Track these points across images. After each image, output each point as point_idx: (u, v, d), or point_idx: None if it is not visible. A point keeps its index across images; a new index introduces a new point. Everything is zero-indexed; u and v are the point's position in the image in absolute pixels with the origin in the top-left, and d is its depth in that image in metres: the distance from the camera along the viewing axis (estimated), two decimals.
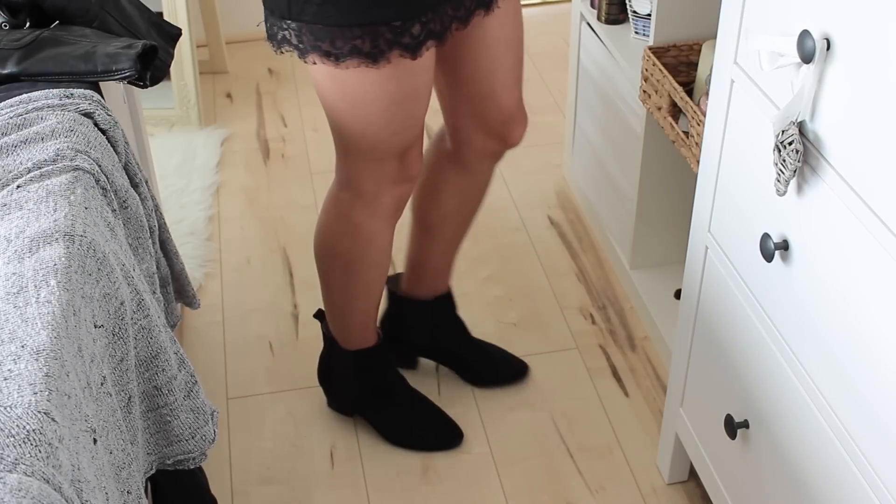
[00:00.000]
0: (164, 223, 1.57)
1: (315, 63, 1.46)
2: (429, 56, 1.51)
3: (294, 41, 1.45)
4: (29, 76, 1.44)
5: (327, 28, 1.41)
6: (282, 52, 1.49)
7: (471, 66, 1.64)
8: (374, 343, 1.88)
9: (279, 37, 1.47)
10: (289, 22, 1.44)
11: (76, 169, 1.24)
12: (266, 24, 1.50)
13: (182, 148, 2.78)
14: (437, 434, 1.92)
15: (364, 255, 1.73)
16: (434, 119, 1.94)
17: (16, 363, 0.96)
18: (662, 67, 1.85)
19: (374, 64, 1.44)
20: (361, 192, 1.65)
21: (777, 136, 1.18)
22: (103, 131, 1.38)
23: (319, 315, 1.93)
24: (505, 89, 1.68)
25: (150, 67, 1.50)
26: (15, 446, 0.87)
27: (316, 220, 1.78)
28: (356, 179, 1.64)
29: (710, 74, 1.49)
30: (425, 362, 2.09)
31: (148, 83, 1.50)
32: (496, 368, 2.05)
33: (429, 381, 2.06)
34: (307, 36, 1.43)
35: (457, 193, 1.85)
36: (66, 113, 1.34)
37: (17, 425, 0.89)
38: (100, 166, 1.29)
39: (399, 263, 2.23)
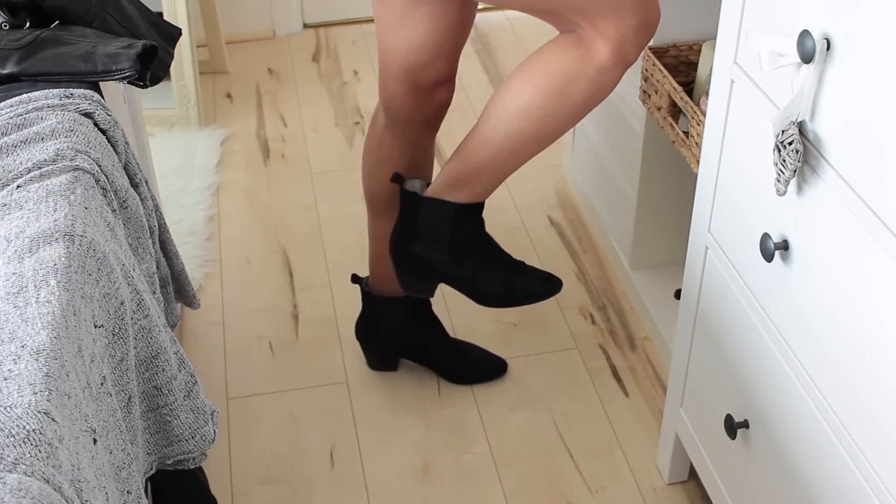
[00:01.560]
0: (164, 223, 1.57)
1: None
2: None
3: None
4: (29, 76, 1.44)
5: None
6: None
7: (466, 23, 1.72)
8: (483, 198, 1.79)
9: None
10: None
11: (76, 169, 1.24)
12: None
13: (182, 148, 2.78)
14: (541, 282, 1.83)
15: (589, 102, 1.61)
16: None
17: (16, 363, 0.96)
18: (662, 67, 1.85)
19: None
20: (609, 37, 1.54)
21: (777, 136, 1.18)
22: (103, 131, 1.38)
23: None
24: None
25: (150, 67, 1.50)
26: (15, 446, 0.87)
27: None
28: (604, 28, 1.53)
29: (710, 74, 1.49)
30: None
31: (148, 83, 1.50)
32: (474, 368, 2.06)
33: (429, 380, 2.06)
34: None
35: (404, 169, 1.84)
36: (66, 113, 1.34)
37: (17, 425, 0.89)
38: (100, 166, 1.30)
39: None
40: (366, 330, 2.05)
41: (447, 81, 1.75)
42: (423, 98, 1.74)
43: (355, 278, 2.03)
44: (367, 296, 2.02)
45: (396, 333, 2.01)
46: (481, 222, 1.81)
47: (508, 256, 1.83)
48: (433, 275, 1.80)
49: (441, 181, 1.75)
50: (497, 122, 1.65)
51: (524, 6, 1.56)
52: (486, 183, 1.73)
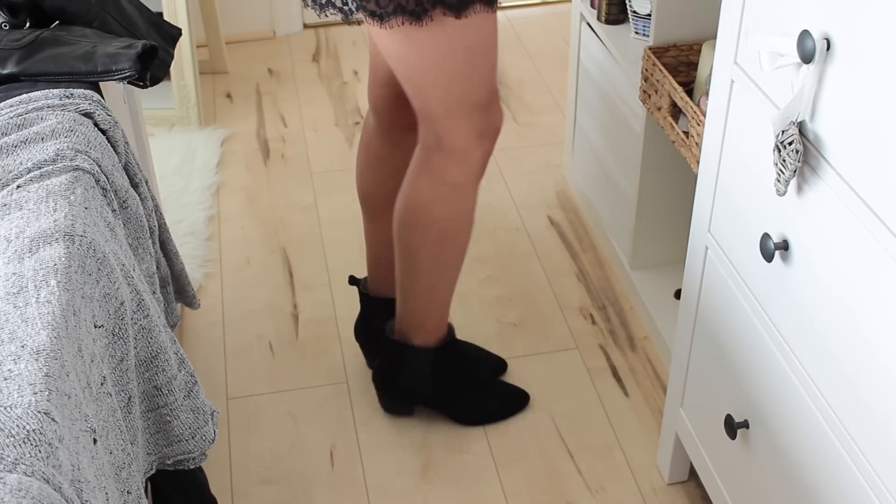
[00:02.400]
0: (164, 223, 1.57)
1: (398, 25, 1.48)
2: (496, 6, 1.57)
3: (371, 7, 1.48)
4: (29, 76, 1.44)
5: None
6: (354, 23, 1.55)
7: None
8: (450, 332, 1.91)
9: (351, 4, 1.50)
10: None
11: (76, 169, 1.24)
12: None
13: (182, 148, 2.78)
14: (513, 400, 1.99)
15: (460, 216, 1.73)
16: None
17: (16, 363, 0.96)
18: (662, 67, 1.85)
19: (457, 16, 1.49)
20: (454, 150, 1.65)
21: (777, 136, 1.18)
22: (103, 131, 1.38)
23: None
24: None
25: (150, 67, 1.50)
26: (15, 446, 0.87)
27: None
28: (449, 139, 1.64)
29: (710, 74, 1.49)
30: None
31: (148, 83, 1.50)
32: (472, 367, 2.07)
33: None
34: (385, 1, 1.46)
35: (394, 172, 1.87)
36: (66, 113, 1.34)
37: (17, 425, 0.89)
38: (100, 166, 1.30)
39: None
40: (364, 331, 2.06)
41: None
42: (405, 103, 1.76)
43: (353, 280, 2.04)
44: (365, 297, 2.03)
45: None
46: (457, 354, 1.95)
47: (483, 377, 1.99)
48: (416, 402, 1.96)
49: (399, 326, 1.88)
50: (399, 271, 1.82)
51: (398, 75, 1.62)
52: (435, 320, 1.87)
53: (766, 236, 1.29)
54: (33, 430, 0.89)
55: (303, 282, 2.34)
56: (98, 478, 1.00)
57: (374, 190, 1.91)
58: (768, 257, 1.29)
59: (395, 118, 1.83)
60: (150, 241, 1.42)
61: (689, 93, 1.84)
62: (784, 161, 1.18)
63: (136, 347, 1.25)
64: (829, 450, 1.24)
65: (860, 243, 1.11)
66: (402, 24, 1.47)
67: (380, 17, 1.47)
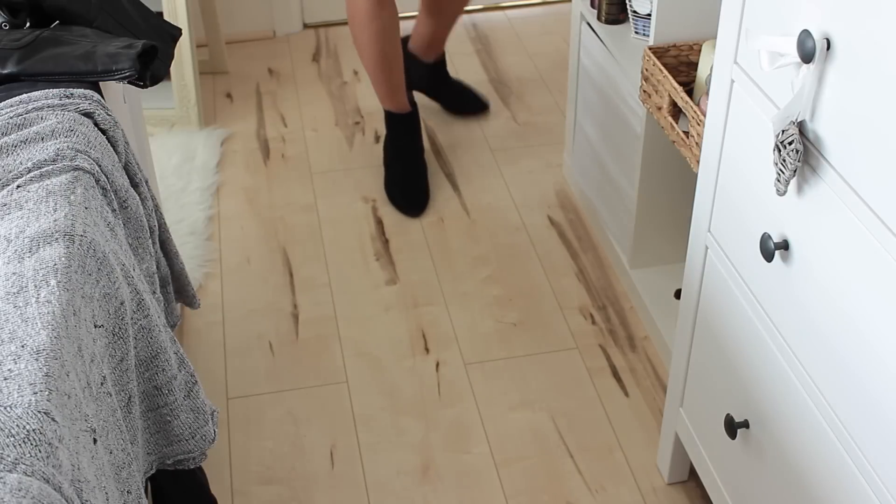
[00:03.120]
0: (164, 223, 1.57)
1: None
2: None
3: None
4: (29, 76, 1.44)
5: None
6: None
7: None
8: (404, 111, 2.57)
9: None
10: None
11: (76, 169, 1.24)
12: None
13: (182, 148, 2.77)
14: (405, 199, 2.54)
15: (357, 37, 2.44)
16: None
17: (16, 363, 0.96)
18: (662, 67, 1.85)
19: None
20: None
21: (777, 135, 1.18)
22: (103, 131, 1.38)
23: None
24: None
25: (150, 67, 1.50)
26: (15, 446, 0.87)
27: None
28: None
29: (710, 74, 1.49)
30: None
31: (148, 83, 1.50)
32: (467, 103, 2.88)
33: (429, 381, 2.06)
34: None
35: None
36: (66, 113, 1.34)
37: (17, 425, 0.89)
38: (100, 166, 1.30)
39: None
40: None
41: None
42: None
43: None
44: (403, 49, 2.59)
45: (419, 80, 2.80)
46: (407, 132, 2.60)
47: (411, 168, 2.60)
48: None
49: None
50: None
51: None
52: (385, 96, 2.55)
53: (766, 236, 1.29)
54: (33, 430, 0.89)
55: (303, 282, 2.34)
56: (98, 477, 1.00)
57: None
58: (768, 257, 1.29)
59: None
60: (150, 240, 1.42)
61: (689, 93, 1.84)
62: (784, 161, 1.18)
63: (136, 347, 1.25)
64: (829, 450, 1.24)
65: (860, 243, 1.11)
66: None
67: None
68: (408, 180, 2.57)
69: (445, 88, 2.88)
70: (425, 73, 2.79)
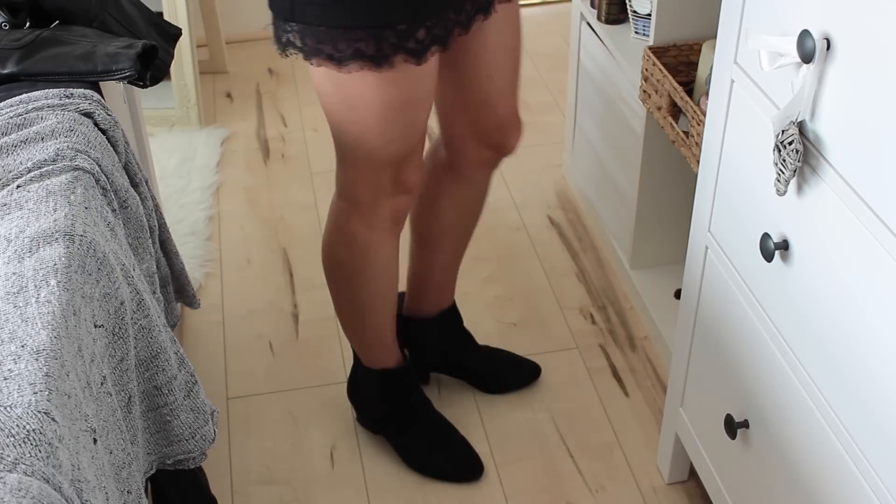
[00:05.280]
0: (164, 223, 1.57)
1: (319, 66, 1.43)
2: (432, 62, 1.47)
3: (298, 43, 1.42)
4: (29, 76, 1.44)
5: (330, 30, 1.38)
6: (286, 56, 1.46)
7: (469, 72, 1.62)
8: (396, 364, 1.85)
9: (283, 39, 1.44)
10: (292, 24, 1.41)
11: (76, 169, 1.24)
12: (272, 26, 1.47)
13: (182, 148, 2.78)
14: (456, 465, 1.87)
15: (363, 267, 1.69)
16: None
17: (16, 363, 0.96)
18: (662, 67, 1.85)
19: (377, 68, 1.41)
20: (357, 201, 1.61)
21: (777, 135, 1.18)
22: (103, 131, 1.38)
23: None
24: (501, 96, 1.65)
25: (150, 67, 1.50)
26: (15, 446, 0.87)
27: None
28: (352, 189, 1.61)
29: (710, 74, 1.49)
30: None
31: (148, 83, 1.50)
32: (506, 375, 2.04)
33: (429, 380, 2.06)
34: (310, 38, 1.40)
35: (455, 205, 1.82)
36: (66, 113, 1.34)
37: (17, 425, 0.89)
38: (100, 166, 1.29)
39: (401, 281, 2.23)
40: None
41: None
42: (485, 131, 1.71)
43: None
44: (398, 316, 1.93)
45: (430, 352, 1.99)
46: (411, 389, 1.90)
47: (438, 429, 1.90)
48: (371, 421, 1.93)
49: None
50: (333, 303, 1.83)
51: (322, 107, 1.57)
52: (373, 349, 1.84)
53: (766, 236, 1.29)
54: (33, 430, 0.89)
55: (303, 282, 2.34)
56: (98, 477, 1.00)
57: (435, 221, 1.85)
58: (768, 257, 1.29)
59: (473, 151, 1.74)
60: (150, 240, 1.42)
61: (689, 93, 1.84)
62: (784, 161, 1.18)
63: (136, 347, 1.25)
64: (829, 449, 1.24)
65: (860, 243, 1.11)
66: (360, 70, 1.42)
67: (338, 60, 1.42)
68: (443, 437, 1.90)
69: (471, 357, 2.05)
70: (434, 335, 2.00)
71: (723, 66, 1.39)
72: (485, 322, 2.20)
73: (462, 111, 1.67)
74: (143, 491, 1.19)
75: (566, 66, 3.07)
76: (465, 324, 2.04)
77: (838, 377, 1.20)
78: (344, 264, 1.71)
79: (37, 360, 0.96)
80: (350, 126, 1.51)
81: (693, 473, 1.85)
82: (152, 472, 1.35)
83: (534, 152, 2.75)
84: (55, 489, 0.86)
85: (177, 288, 1.64)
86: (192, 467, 1.39)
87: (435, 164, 1.79)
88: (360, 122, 1.49)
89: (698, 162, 1.69)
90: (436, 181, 1.80)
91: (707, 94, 1.62)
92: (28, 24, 1.56)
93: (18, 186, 1.21)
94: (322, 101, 1.52)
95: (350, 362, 2.11)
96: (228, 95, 3.08)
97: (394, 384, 1.87)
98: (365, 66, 1.41)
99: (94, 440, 1.02)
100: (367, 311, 1.77)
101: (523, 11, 1.67)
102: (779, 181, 1.20)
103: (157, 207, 1.52)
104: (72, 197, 1.19)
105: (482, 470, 1.87)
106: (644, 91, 1.95)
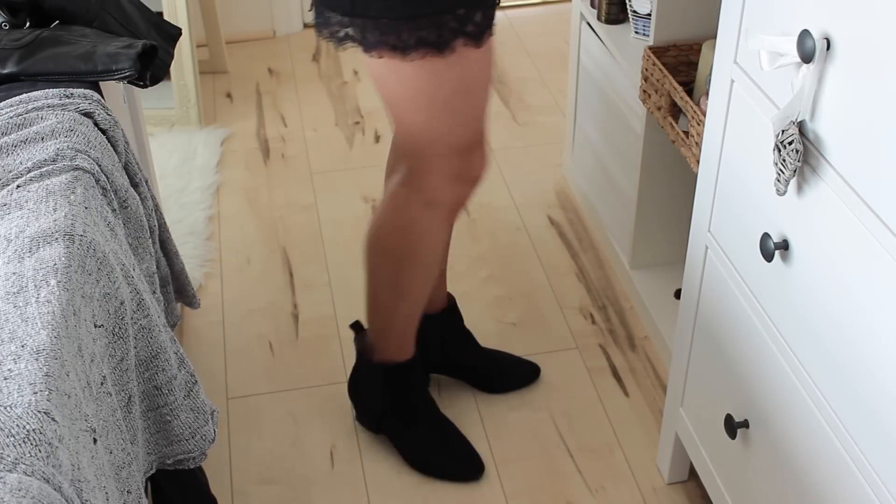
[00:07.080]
0: (164, 223, 1.57)
1: (381, 57, 1.46)
2: (488, 46, 1.51)
3: (358, 37, 1.45)
4: (29, 76, 1.44)
5: (393, 22, 1.42)
6: (344, 49, 1.49)
7: None
8: (408, 357, 1.85)
9: (341, 34, 1.47)
10: (352, 18, 1.44)
11: (76, 169, 1.24)
12: (321, 20, 1.49)
13: (182, 148, 2.78)
14: (457, 465, 1.87)
15: (416, 252, 1.70)
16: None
17: (16, 363, 0.96)
18: (662, 67, 1.85)
19: (440, 54, 1.44)
20: (422, 187, 1.62)
21: (777, 135, 1.18)
22: (103, 131, 1.38)
23: (355, 326, 1.94)
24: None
25: (150, 67, 1.50)
26: (15, 446, 0.87)
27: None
28: (419, 177, 1.61)
29: (710, 74, 1.49)
30: None
31: (148, 83, 1.50)
32: (507, 375, 2.05)
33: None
34: (372, 32, 1.43)
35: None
36: (66, 113, 1.34)
37: (17, 425, 0.89)
38: (100, 166, 1.30)
39: None
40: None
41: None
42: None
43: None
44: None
45: (432, 351, 1.98)
46: (416, 385, 1.91)
47: (440, 428, 1.91)
48: (372, 419, 1.93)
49: (368, 340, 1.87)
50: (367, 290, 1.80)
51: (384, 99, 1.56)
52: (393, 341, 1.83)
53: (766, 236, 1.29)
54: (33, 430, 0.89)
55: (303, 282, 2.34)
56: (98, 477, 1.00)
57: None
58: (768, 257, 1.29)
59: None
60: (150, 240, 1.42)
61: (689, 93, 1.84)
62: (784, 161, 1.18)
63: (136, 347, 1.25)
64: (829, 449, 1.24)
65: (860, 243, 1.11)
66: (423, 57, 1.44)
67: (402, 49, 1.44)
68: (445, 436, 1.91)
69: (471, 357, 2.05)
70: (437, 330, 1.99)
71: (723, 66, 1.39)
72: (485, 322, 2.20)
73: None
74: (143, 491, 1.19)
75: (566, 66, 3.07)
76: (466, 324, 2.04)
77: (838, 377, 1.20)
78: (395, 249, 1.71)
79: (37, 359, 0.96)
80: (416, 115, 1.53)
81: (693, 473, 1.85)
82: (152, 471, 1.35)
83: (534, 152, 2.75)
84: (55, 489, 0.86)
85: (177, 288, 1.64)
86: (192, 467, 1.39)
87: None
88: (426, 110, 1.52)
89: (698, 162, 1.69)
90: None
91: (707, 94, 1.62)
92: (28, 24, 1.56)
93: (18, 186, 1.21)
94: (384, 92, 1.54)
95: (350, 362, 2.11)
96: (228, 95, 3.08)
97: (400, 379, 1.87)
98: (428, 52, 1.44)
99: (94, 440, 1.02)
100: (404, 299, 1.77)
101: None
102: (779, 181, 1.20)
103: (156, 207, 1.52)
104: (72, 197, 1.19)
105: (483, 469, 1.87)
106: (644, 91, 1.95)
